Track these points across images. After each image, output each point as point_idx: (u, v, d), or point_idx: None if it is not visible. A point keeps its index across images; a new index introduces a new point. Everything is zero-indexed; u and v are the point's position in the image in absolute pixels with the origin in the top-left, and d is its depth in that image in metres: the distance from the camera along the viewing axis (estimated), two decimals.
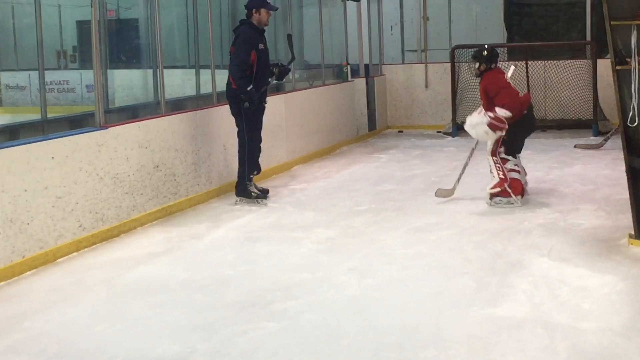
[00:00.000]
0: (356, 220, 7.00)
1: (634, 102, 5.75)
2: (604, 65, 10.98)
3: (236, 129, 7.68)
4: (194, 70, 12.34)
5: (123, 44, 14.79)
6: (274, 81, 8.09)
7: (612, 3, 5.74)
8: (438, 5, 14.55)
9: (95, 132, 6.45)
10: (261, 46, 7.58)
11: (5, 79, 14.23)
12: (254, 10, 7.59)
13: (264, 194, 7.85)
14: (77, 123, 8.88)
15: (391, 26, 15.37)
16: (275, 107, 9.31)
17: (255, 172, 7.79)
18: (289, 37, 8.30)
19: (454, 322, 4.49)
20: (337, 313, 4.70)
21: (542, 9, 14.25)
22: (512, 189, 7.30)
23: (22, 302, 5.07)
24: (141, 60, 13.90)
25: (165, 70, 7.74)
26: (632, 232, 5.90)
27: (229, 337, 4.37)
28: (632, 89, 5.74)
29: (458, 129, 12.21)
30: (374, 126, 13.09)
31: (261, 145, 7.80)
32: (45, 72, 9.03)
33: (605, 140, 10.68)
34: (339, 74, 12.16)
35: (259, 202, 7.71)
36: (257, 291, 5.13)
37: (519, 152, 7.55)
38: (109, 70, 12.25)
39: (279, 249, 6.16)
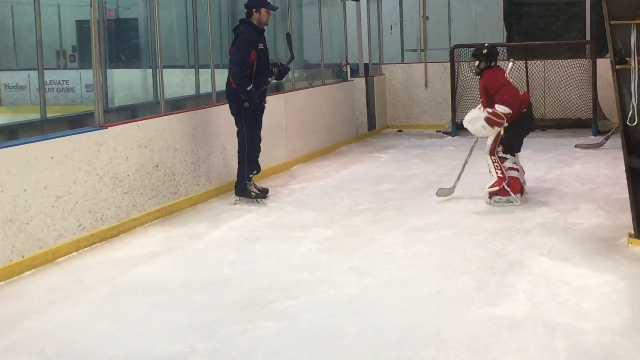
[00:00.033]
0: (356, 220, 7.00)
1: (634, 101, 5.75)
2: (604, 65, 11.00)
3: (236, 129, 7.68)
4: (193, 70, 12.34)
5: (122, 43, 14.79)
6: (274, 80, 8.09)
7: (611, 2, 5.74)
8: (438, 5, 14.55)
9: (95, 131, 6.45)
10: (261, 46, 7.58)
11: (4, 79, 14.23)
12: (254, 10, 7.59)
13: (263, 193, 7.84)
14: (77, 123, 8.90)
15: (391, 25, 15.37)
16: (275, 107, 9.30)
17: (254, 172, 7.79)
18: (288, 36, 8.30)
19: (453, 322, 4.49)
20: (336, 312, 4.70)
21: (542, 8, 14.26)
22: (510, 187, 7.31)
23: (22, 301, 5.07)
24: (140, 60, 13.91)
25: (164, 70, 7.74)
26: (632, 232, 5.90)
27: (229, 337, 4.36)
28: (632, 89, 5.74)
29: (457, 129, 12.23)
30: (373, 126, 13.09)
31: (261, 144, 7.80)
32: (45, 71, 9.05)
33: (606, 140, 10.68)
34: (339, 73, 12.16)
35: (258, 202, 7.71)
36: (257, 291, 5.13)
37: (518, 150, 7.55)
38: (108, 70, 12.26)
39: (278, 248, 6.16)
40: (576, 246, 5.93)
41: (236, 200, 7.76)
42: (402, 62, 14.59)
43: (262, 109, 7.75)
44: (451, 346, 4.14)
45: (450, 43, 13.45)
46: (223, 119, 8.02)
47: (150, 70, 12.30)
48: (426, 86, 13.64)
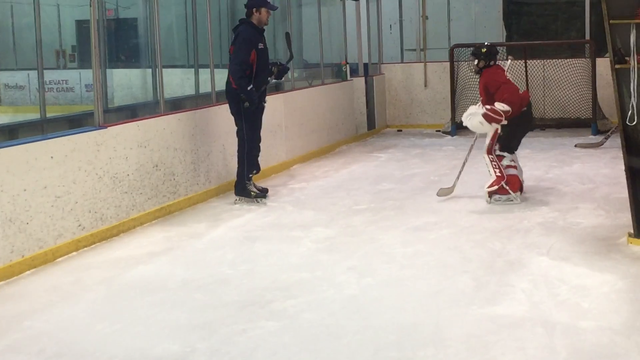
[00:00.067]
0: (355, 220, 7.00)
1: (633, 100, 5.75)
2: (603, 64, 11.01)
3: (235, 128, 7.68)
4: (193, 70, 12.34)
5: (122, 43, 14.79)
6: (273, 80, 8.09)
7: (611, 2, 5.74)
8: (437, 4, 14.54)
9: (94, 131, 6.45)
10: (261, 46, 7.58)
11: (4, 79, 14.23)
12: (254, 10, 7.58)
13: (263, 193, 7.84)
14: (76, 122, 8.89)
15: (390, 25, 15.37)
16: (275, 107, 9.30)
17: (254, 172, 7.79)
18: (287, 35, 8.31)
19: (453, 321, 4.49)
20: (336, 312, 4.71)
21: (541, 7, 14.27)
22: (510, 186, 7.32)
23: (22, 301, 5.07)
24: (140, 60, 13.89)
25: (164, 70, 7.73)
26: (632, 231, 5.90)
27: (229, 337, 4.37)
28: (631, 88, 5.75)
29: (457, 128, 12.23)
30: (373, 125, 13.09)
31: (260, 144, 7.80)
32: (45, 71, 9.04)
33: (606, 139, 10.69)
34: (338, 73, 12.16)
35: (258, 202, 7.71)
36: (257, 290, 5.13)
37: (516, 149, 7.56)
38: (108, 70, 12.26)
39: (278, 248, 6.16)
40: (576, 246, 5.93)
41: (236, 200, 7.76)
42: (402, 62, 14.60)
43: (262, 108, 7.75)
44: (451, 345, 4.14)
45: (450, 43, 13.45)
46: (223, 118, 8.02)
47: (149, 70, 12.30)
48: (426, 86, 13.64)
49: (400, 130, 13.48)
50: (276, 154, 9.51)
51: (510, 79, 7.57)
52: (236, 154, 7.75)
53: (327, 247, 6.17)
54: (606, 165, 9.24)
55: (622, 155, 5.95)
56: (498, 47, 8.03)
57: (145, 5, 13.23)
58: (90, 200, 6.31)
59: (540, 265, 5.48)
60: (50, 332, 4.52)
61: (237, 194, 7.76)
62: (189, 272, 5.59)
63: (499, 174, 7.28)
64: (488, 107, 7.22)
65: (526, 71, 12.25)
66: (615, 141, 7.98)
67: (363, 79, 12.83)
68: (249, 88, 7.39)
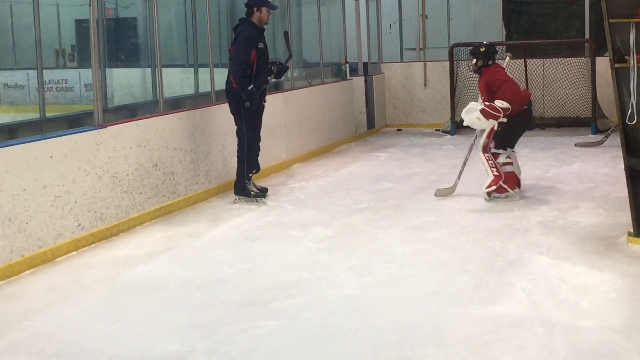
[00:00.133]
0: (355, 219, 7.00)
1: (633, 100, 5.75)
2: (603, 63, 11.01)
3: (235, 128, 7.68)
4: (192, 69, 12.34)
5: (122, 42, 14.77)
6: (273, 79, 8.09)
7: (610, 1, 5.74)
8: (437, 4, 14.55)
9: (94, 131, 6.45)
10: (261, 45, 7.57)
11: (3, 78, 14.22)
12: (255, 9, 7.58)
13: (262, 192, 7.84)
14: (76, 122, 8.89)
15: (390, 24, 15.36)
16: (274, 106, 9.30)
17: (254, 171, 7.79)
18: (286, 34, 8.31)
19: (453, 321, 4.49)
20: (336, 312, 4.70)
21: (541, 6, 14.25)
22: (508, 184, 7.33)
23: (21, 301, 5.07)
24: (140, 59, 13.89)
25: (163, 69, 7.73)
26: (631, 230, 5.90)
27: (228, 336, 4.36)
28: (631, 87, 5.74)
29: (457, 127, 12.23)
30: (372, 124, 13.09)
31: (260, 144, 7.80)
32: (44, 71, 9.05)
33: (606, 138, 10.69)
34: (338, 72, 12.16)
35: (257, 201, 7.71)
36: (256, 290, 5.13)
37: (512, 147, 7.56)
38: (107, 69, 12.25)
39: (278, 247, 6.16)
40: (575, 245, 5.93)
41: (235, 199, 7.75)
42: (402, 61, 14.60)
43: (262, 108, 7.76)
44: (451, 345, 4.14)
45: (450, 42, 13.46)
46: (222, 118, 8.02)
47: (149, 70, 12.29)
48: (425, 85, 13.64)
49: (400, 130, 13.48)
50: (276, 153, 9.51)
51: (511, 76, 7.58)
52: (236, 153, 7.75)
53: (326, 246, 6.17)
54: (606, 164, 9.24)
55: (621, 154, 5.95)
56: (497, 46, 8.03)
57: (144, 4, 13.21)
58: (90, 199, 6.30)
59: (540, 265, 5.48)
60: (50, 331, 4.52)
61: (236, 193, 7.76)
62: (189, 271, 5.59)
63: (496, 173, 7.29)
64: (487, 103, 7.24)
65: (526, 70, 12.26)
66: (615, 140, 7.98)
67: (363, 78, 12.84)
68: (249, 88, 7.39)
